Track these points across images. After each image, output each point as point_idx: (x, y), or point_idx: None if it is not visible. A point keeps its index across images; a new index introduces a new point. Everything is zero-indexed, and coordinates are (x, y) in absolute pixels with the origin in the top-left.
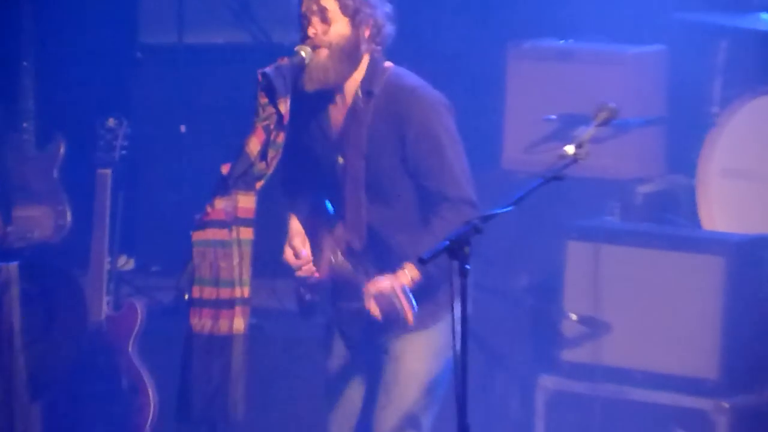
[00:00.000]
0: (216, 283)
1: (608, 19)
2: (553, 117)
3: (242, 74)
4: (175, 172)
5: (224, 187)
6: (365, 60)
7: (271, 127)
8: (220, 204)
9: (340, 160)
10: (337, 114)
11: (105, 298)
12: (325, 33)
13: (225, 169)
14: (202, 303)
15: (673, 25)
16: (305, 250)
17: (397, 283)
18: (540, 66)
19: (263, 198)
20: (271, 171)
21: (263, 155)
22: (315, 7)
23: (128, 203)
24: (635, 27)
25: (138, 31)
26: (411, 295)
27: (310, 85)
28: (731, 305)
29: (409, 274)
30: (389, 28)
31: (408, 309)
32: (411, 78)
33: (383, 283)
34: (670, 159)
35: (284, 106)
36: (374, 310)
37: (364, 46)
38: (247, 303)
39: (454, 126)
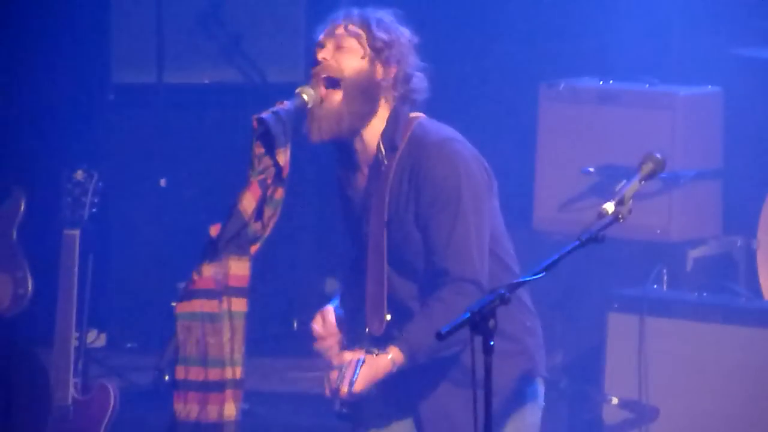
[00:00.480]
0: (204, 362)
1: (655, 56)
2: (591, 169)
3: (232, 119)
4: (155, 233)
5: (213, 251)
6: (385, 109)
7: (269, 181)
8: (209, 271)
9: (365, 228)
10: (361, 177)
11: (72, 380)
12: (339, 61)
13: (214, 230)
14: (187, 385)
15: (730, 63)
16: (332, 322)
17: (355, 357)
18: (576, 109)
19: (258, 264)
20: (267, 233)
21: (259, 214)
22: (335, 32)
23: (99, 269)
24: (686, 65)
25: (111, 69)
26: (357, 373)
27: (317, 136)
28: None
29: (391, 357)
30: (419, 81)
31: (345, 383)
32: (440, 131)
33: (346, 355)
34: (727, 218)
35: (283, 158)
36: (330, 382)
37: (384, 90)
38: (240, 386)
39: (483, 194)
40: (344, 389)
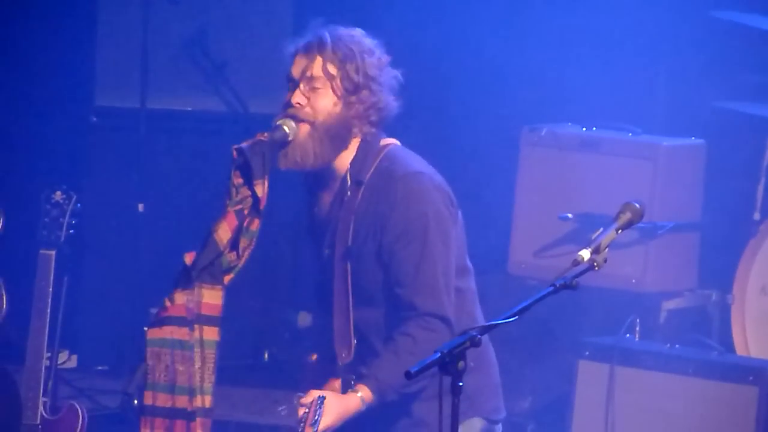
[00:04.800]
0: (172, 389)
1: (638, 106)
2: (569, 216)
3: (212, 147)
4: (130, 257)
5: (187, 278)
6: (357, 138)
7: (245, 212)
8: (182, 298)
9: (326, 251)
10: (326, 199)
11: (42, 399)
12: (313, 106)
13: (189, 257)
14: (154, 411)
15: (713, 116)
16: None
17: (319, 395)
18: (557, 155)
19: (231, 294)
20: (242, 263)
21: (234, 244)
22: (308, 73)
23: (73, 290)
24: (669, 116)
25: (94, 91)
26: (320, 413)
27: (284, 163)
28: None
29: (360, 395)
30: (393, 106)
31: (308, 424)
32: (407, 161)
33: (312, 394)
34: (703, 271)
35: (261, 189)
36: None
37: (356, 129)
38: (209, 414)
39: (449, 227)
40: (308, 430)
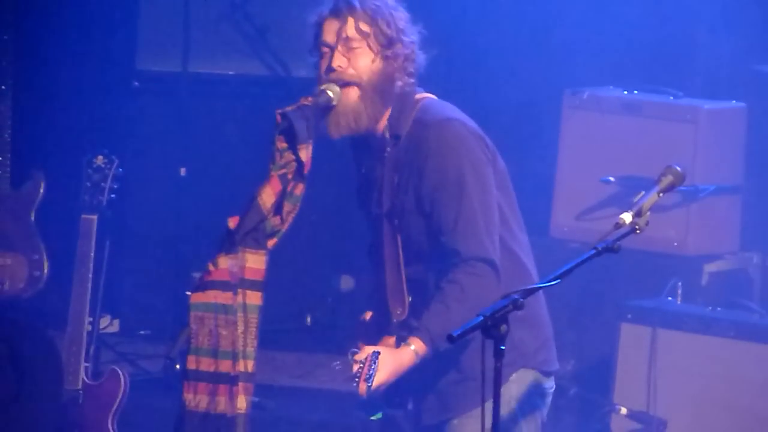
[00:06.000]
0: (215, 354)
1: (680, 69)
2: (611, 179)
3: (255, 111)
4: (172, 221)
5: (230, 243)
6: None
7: (289, 176)
8: (225, 263)
9: (375, 210)
10: (370, 159)
11: (84, 364)
12: (355, 67)
13: (232, 222)
14: (197, 376)
15: (754, 80)
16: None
17: (374, 351)
18: (599, 119)
19: (274, 258)
20: (286, 228)
21: (278, 209)
22: (344, 35)
23: (115, 255)
24: (710, 80)
25: (136, 56)
26: (374, 368)
27: (335, 131)
28: None
29: (414, 348)
30: (422, 58)
31: (362, 379)
32: (442, 110)
33: (366, 350)
34: (745, 234)
35: (305, 154)
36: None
37: (399, 82)
38: (251, 379)
39: (487, 171)
40: (362, 387)
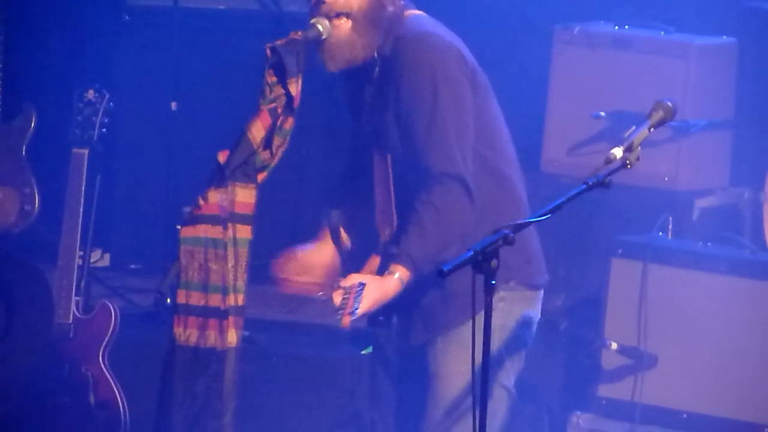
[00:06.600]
0: (205, 288)
1: (671, 4)
2: (602, 114)
3: (246, 46)
4: (163, 156)
5: (221, 177)
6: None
7: (279, 110)
8: (215, 197)
9: (367, 129)
10: (361, 82)
11: (74, 298)
12: None
13: (222, 156)
14: (187, 310)
15: (745, 15)
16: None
17: (357, 281)
18: (590, 54)
19: (263, 192)
20: (275, 162)
21: (267, 143)
22: None
23: (106, 189)
24: (701, 15)
25: None
26: (359, 301)
27: (333, 65)
28: None
29: (398, 276)
30: None
31: (346, 312)
32: (422, 25)
33: (353, 278)
34: (735, 169)
35: (295, 88)
36: (334, 300)
37: (390, 7)
38: (241, 313)
39: (462, 85)
40: (346, 320)
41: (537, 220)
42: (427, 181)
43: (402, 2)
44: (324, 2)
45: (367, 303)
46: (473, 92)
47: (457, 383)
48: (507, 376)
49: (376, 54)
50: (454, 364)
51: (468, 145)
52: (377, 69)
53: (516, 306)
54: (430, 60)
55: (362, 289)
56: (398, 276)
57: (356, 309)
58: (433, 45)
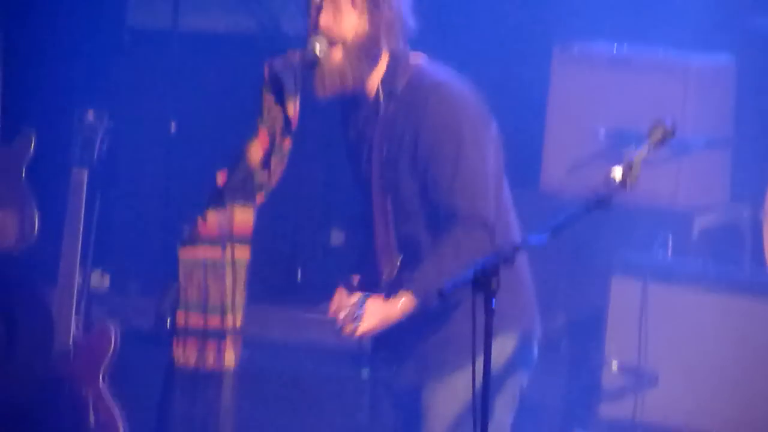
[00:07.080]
0: (204, 308)
1: (670, 23)
2: (601, 132)
3: (245, 67)
4: (162, 176)
5: (219, 198)
6: (385, 57)
7: (277, 131)
8: (214, 218)
9: (365, 168)
10: (360, 119)
11: (74, 319)
12: (339, 26)
13: (221, 177)
14: (187, 331)
15: (745, 33)
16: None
17: (363, 294)
18: (589, 73)
19: (262, 213)
20: (274, 183)
21: (266, 164)
22: None
23: (105, 210)
24: (700, 34)
25: (126, 12)
26: (362, 309)
27: (322, 91)
28: None
29: (401, 304)
30: (411, 21)
31: (348, 320)
32: (439, 74)
33: (357, 295)
34: (735, 187)
35: (293, 108)
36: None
37: (384, 43)
38: (239, 333)
39: (484, 133)
40: (348, 327)
41: (537, 245)
42: (453, 222)
43: (403, 41)
44: (319, 28)
45: (371, 319)
46: (490, 138)
47: (451, 422)
48: (506, 412)
49: (381, 93)
50: (447, 408)
51: (490, 185)
52: (383, 105)
53: (510, 346)
54: (455, 108)
55: (365, 300)
56: (403, 301)
57: (359, 316)
58: (457, 93)
